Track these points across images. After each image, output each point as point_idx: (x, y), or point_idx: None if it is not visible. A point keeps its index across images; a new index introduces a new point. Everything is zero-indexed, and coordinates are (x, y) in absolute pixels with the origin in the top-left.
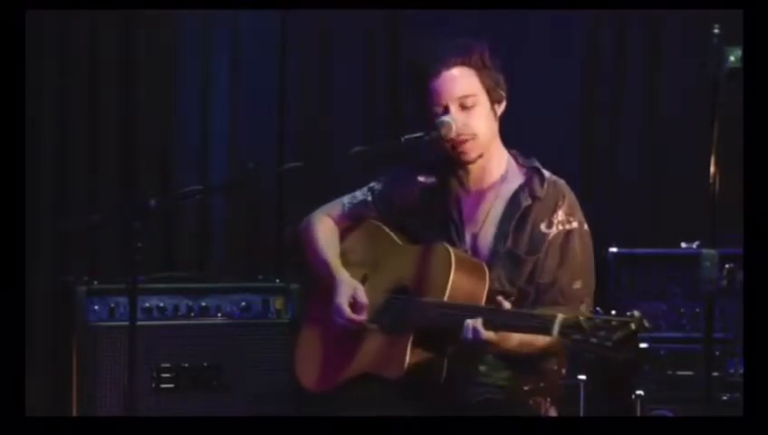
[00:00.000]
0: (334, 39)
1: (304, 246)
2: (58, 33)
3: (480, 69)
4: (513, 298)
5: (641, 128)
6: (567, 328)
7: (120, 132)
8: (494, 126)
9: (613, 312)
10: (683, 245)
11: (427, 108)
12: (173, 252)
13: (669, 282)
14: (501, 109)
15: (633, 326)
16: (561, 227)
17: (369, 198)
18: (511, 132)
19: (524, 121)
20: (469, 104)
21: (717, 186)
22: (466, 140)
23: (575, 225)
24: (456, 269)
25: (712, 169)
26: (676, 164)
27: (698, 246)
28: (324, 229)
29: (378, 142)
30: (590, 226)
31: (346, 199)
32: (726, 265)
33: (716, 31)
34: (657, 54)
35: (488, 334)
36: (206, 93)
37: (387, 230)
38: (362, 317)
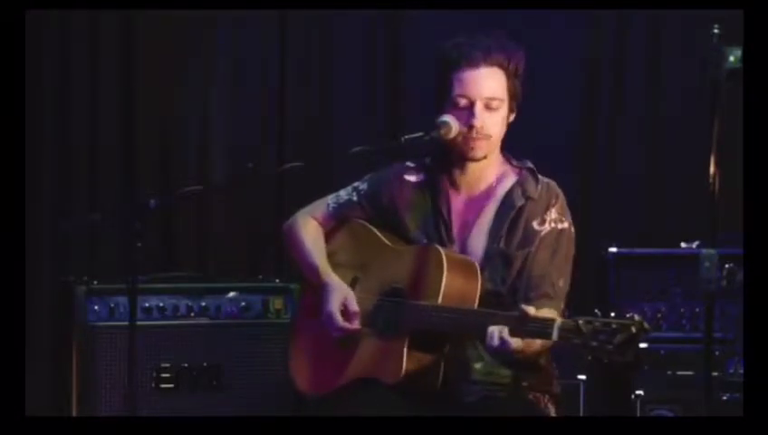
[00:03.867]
0: (334, 39)
1: (289, 249)
2: (58, 34)
3: (511, 76)
4: (504, 296)
5: (641, 128)
6: (566, 332)
7: (120, 132)
8: (504, 132)
9: (612, 314)
10: (683, 245)
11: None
12: (173, 252)
13: (669, 282)
14: (512, 116)
15: (634, 329)
16: (553, 225)
17: (355, 198)
18: (511, 132)
19: (524, 121)
20: (494, 106)
21: (717, 186)
22: (481, 139)
23: (566, 225)
24: (448, 270)
25: (712, 168)
26: (676, 164)
27: (698, 246)
28: (309, 231)
29: (378, 142)
30: (589, 226)
31: (330, 199)
32: (726, 265)
33: (716, 31)
34: (657, 54)
35: (516, 342)
36: (206, 93)
37: (374, 230)
38: (354, 326)
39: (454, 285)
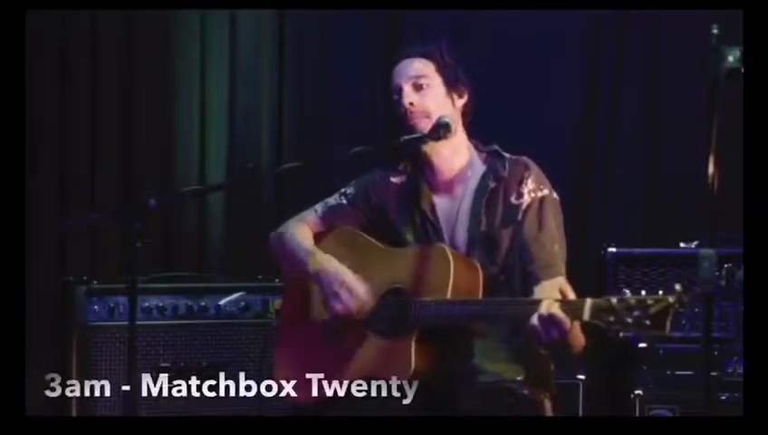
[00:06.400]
0: (334, 39)
1: (278, 253)
2: (58, 33)
3: (439, 62)
4: (498, 276)
5: (640, 128)
6: (599, 311)
7: (120, 132)
8: (453, 114)
9: (643, 292)
10: (681, 245)
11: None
12: (173, 252)
13: (668, 282)
14: (462, 101)
15: (671, 299)
16: (533, 195)
17: (344, 202)
18: (511, 132)
19: (524, 121)
20: (422, 84)
21: (716, 186)
22: (418, 117)
23: (546, 192)
24: (455, 266)
25: (710, 168)
26: (675, 164)
27: (697, 245)
28: (300, 231)
29: (378, 142)
30: (589, 226)
31: (318, 206)
32: (725, 265)
33: (715, 31)
34: (657, 54)
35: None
36: (205, 93)
37: (363, 235)
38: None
39: (460, 279)
